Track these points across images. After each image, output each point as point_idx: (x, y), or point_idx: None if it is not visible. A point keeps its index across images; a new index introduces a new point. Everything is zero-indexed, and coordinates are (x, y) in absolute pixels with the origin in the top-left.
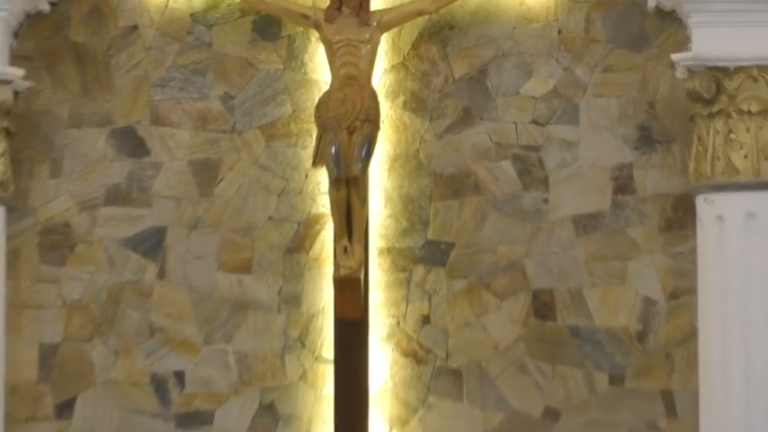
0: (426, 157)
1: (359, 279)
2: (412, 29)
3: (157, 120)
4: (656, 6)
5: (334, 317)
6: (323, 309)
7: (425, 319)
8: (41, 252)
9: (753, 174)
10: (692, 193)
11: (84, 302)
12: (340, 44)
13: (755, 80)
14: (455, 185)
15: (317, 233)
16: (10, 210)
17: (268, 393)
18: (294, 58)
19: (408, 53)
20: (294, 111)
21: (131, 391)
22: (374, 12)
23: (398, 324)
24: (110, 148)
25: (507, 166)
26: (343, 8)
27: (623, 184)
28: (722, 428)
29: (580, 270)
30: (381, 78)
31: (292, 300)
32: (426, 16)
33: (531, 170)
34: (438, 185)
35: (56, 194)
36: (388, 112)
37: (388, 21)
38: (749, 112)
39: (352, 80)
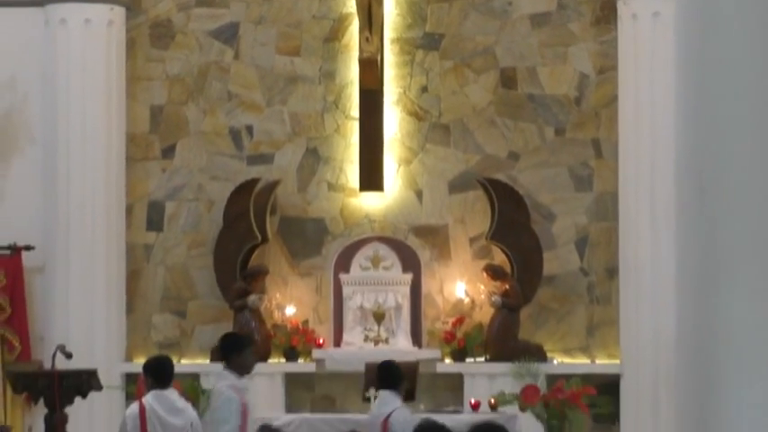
0: None
1: (377, 60)
2: None
3: None
4: None
5: (359, 87)
6: (351, 81)
7: (424, 89)
8: (151, 40)
9: None
10: None
11: (181, 76)
12: None
13: None
14: None
15: (347, 27)
16: (128, 9)
17: (312, 141)
18: None
19: None
20: None
21: (215, 139)
22: None
23: (405, 92)
24: None
25: None
26: None
27: None
28: (634, 165)
29: (534, 53)
30: None
31: (329, 75)
32: None
33: None
34: None
35: None
36: None
37: None
38: None
39: None
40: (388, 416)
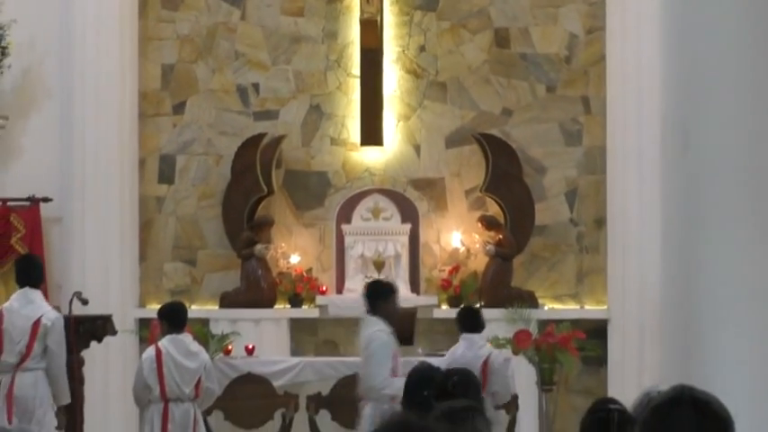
0: None
1: (377, 20)
2: None
3: None
4: None
5: (360, 46)
6: (352, 41)
7: (422, 48)
8: (162, 1)
9: None
10: None
11: (191, 36)
12: None
13: None
14: None
15: None
16: None
17: (315, 98)
18: None
19: None
20: None
21: (223, 97)
22: None
23: (404, 51)
24: None
25: None
26: None
27: None
28: (622, 121)
29: (527, 14)
30: None
31: (331, 35)
32: None
33: None
34: None
35: None
36: None
37: None
38: None
39: None
40: (487, 358)
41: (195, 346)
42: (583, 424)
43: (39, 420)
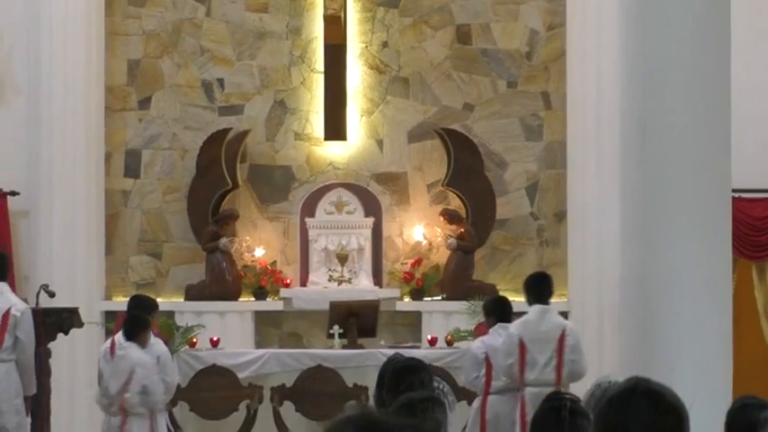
0: None
1: (341, 17)
2: None
3: None
4: None
5: (323, 42)
6: (316, 37)
7: (385, 44)
8: None
9: None
10: None
11: (157, 32)
12: None
13: None
14: None
15: None
16: None
17: (279, 93)
18: None
19: None
20: None
21: (188, 92)
22: None
23: (367, 47)
24: None
25: None
26: None
27: None
28: (581, 116)
29: (488, 10)
30: None
31: (296, 30)
32: None
33: None
34: None
35: None
36: None
37: None
38: None
39: None
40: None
41: (150, 338)
42: (536, 415)
43: (17, 410)
